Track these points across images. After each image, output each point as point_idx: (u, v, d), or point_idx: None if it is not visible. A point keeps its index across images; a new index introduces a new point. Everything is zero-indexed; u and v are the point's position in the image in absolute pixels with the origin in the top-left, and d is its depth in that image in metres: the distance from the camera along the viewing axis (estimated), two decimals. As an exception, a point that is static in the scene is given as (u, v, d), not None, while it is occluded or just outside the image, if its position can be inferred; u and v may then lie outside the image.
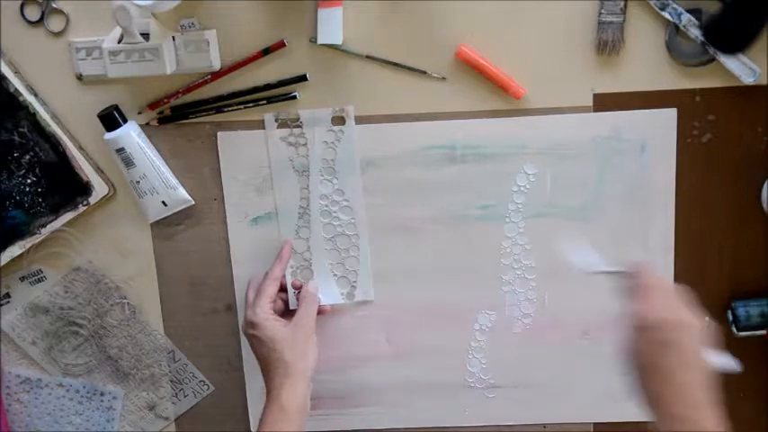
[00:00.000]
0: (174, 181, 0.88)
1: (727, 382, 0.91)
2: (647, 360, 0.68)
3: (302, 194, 0.88)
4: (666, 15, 0.80)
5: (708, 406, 0.66)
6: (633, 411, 0.91)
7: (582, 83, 0.84)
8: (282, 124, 0.87)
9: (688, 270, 0.88)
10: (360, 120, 0.86)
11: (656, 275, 0.74)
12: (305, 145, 0.87)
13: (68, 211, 0.88)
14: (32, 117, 0.86)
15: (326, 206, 0.88)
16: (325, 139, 0.87)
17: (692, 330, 0.69)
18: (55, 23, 0.85)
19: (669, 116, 0.84)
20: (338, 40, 0.82)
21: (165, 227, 0.90)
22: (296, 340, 0.83)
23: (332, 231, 0.89)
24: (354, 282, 0.90)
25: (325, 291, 0.90)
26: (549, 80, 0.84)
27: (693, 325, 0.69)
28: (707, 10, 0.80)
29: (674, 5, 0.80)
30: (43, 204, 0.88)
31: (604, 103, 0.84)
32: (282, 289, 0.89)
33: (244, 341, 0.90)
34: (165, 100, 0.87)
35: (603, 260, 0.79)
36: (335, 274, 0.90)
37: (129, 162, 0.85)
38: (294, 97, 0.86)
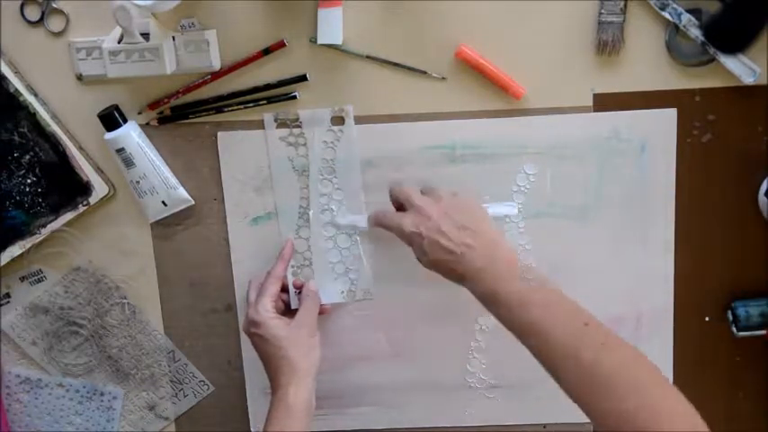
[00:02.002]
0: (174, 181, 0.88)
1: (728, 381, 0.91)
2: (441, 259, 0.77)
3: (302, 194, 0.88)
4: (666, 15, 0.80)
5: (509, 250, 0.77)
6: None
7: (582, 83, 0.84)
8: (282, 124, 0.87)
9: (688, 270, 0.88)
10: (360, 120, 0.86)
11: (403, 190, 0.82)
12: (304, 145, 0.87)
13: (68, 211, 0.88)
14: (32, 117, 0.86)
15: (326, 205, 0.88)
16: (324, 139, 0.87)
17: (460, 207, 0.79)
18: (55, 23, 0.85)
19: (669, 116, 0.84)
20: (338, 40, 0.82)
21: (165, 227, 0.90)
22: (299, 338, 0.83)
23: (332, 230, 0.89)
24: (355, 280, 0.90)
25: (326, 290, 0.90)
26: (549, 80, 0.84)
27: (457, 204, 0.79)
28: (707, 10, 0.80)
29: (674, 5, 0.80)
30: (43, 204, 0.88)
31: (604, 103, 0.84)
32: (283, 289, 0.89)
33: (244, 341, 0.90)
34: (165, 100, 0.87)
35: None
36: (336, 273, 0.90)
37: (129, 162, 0.86)
38: (294, 97, 0.86)
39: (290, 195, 0.89)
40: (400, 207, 0.83)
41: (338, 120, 0.86)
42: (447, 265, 0.77)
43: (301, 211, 0.89)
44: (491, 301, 0.75)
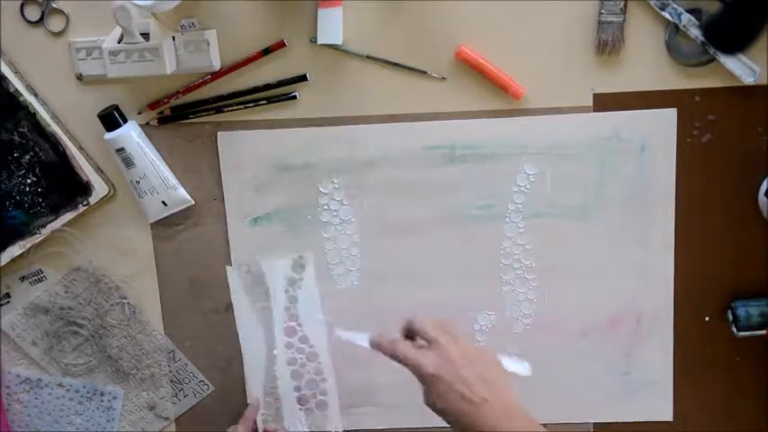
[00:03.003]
0: (173, 181, 0.88)
1: (728, 381, 0.91)
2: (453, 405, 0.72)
3: (268, 346, 0.90)
4: (666, 15, 0.80)
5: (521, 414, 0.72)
6: (633, 411, 0.92)
7: (582, 83, 0.84)
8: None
9: (688, 270, 0.88)
10: (360, 120, 0.86)
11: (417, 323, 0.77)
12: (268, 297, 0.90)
13: (68, 211, 0.88)
14: (32, 117, 0.86)
15: (292, 354, 0.91)
16: (286, 288, 0.89)
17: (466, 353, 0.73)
18: (55, 23, 0.85)
19: (669, 116, 0.84)
20: (338, 40, 0.82)
21: (165, 227, 0.90)
22: None
23: (299, 377, 0.91)
24: (322, 416, 0.92)
25: (294, 424, 0.92)
26: (549, 80, 0.84)
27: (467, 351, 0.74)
28: (707, 10, 0.80)
29: (674, 5, 0.80)
30: (43, 204, 0.88)
31: (604, 103, 0.84)
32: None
33: (244, 341, 0.90)
34: (165, 100, 0.87)
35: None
36: (304, 410, 0.92)
37: (129, 162, 0.86)
38: (294, 97, 0.86)
39: (256, 344, 0.91)
40: (408, 336, 0.79)
41: (298, 268, 0.89)
42: (460, 415, 0.72)
43: (268, 363, 0.91)
44: None
